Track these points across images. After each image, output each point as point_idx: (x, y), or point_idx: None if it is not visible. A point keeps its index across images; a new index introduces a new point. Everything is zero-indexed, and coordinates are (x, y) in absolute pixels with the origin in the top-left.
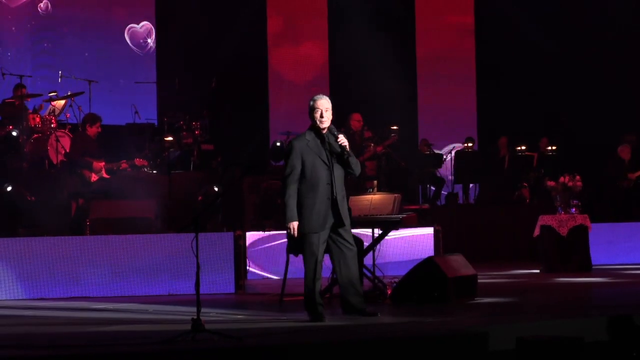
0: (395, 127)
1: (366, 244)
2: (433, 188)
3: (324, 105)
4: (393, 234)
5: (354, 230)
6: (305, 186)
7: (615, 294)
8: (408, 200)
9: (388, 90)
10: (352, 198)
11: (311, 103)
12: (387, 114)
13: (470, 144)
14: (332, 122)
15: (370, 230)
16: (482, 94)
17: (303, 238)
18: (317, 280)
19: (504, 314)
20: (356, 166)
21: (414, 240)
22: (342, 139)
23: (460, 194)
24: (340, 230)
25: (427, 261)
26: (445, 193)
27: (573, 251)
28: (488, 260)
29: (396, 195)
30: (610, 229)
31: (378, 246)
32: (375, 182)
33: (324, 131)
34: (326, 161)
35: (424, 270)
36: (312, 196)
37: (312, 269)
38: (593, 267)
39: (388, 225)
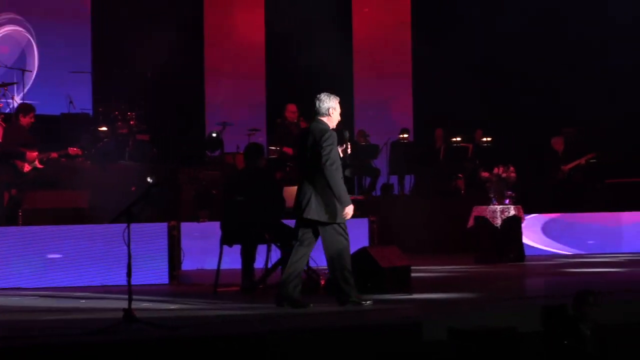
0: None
1: None
2: (369, 179)
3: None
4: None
5: (287, 222)
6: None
7: (548, 284)
8: None
9: (324, 82)
10: (287, 189)
11: (336, 103)
12: None
13: (405, 135)
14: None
15: None
16: (418, 85)
17: (327, 228)
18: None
19: (437, 305)
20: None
21: (349, 231)
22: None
23: (396, 185)
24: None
25: (361, 252)
26: (381, 184)
27: (507, 242)
28: (423, 251)
29: None
30: (543, 220)
31: None
32: None
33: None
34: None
35: (357, 261)
36: None
37: (348, 255)
38: (526, 257)
39: None
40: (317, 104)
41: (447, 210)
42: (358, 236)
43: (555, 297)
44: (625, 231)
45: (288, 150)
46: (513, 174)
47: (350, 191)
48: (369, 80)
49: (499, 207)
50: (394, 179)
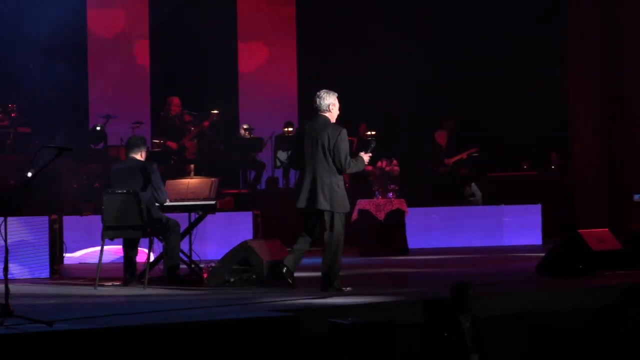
0: (216, 112)
1: (183, 227)
2: (254, 172)
3: None
4: (213, 218)
5: (171, 214)
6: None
7: (430, 276)
8: (228, 185)
9: (210, 76)
10: (170, 182)
11: (335, 99)
12: (208, 99)
13: (290, 129)
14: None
15: (186, 214)
16: (304, 79)
17: (335, 217)
18: None
19: (317, 298)
20: None
21: (233, 225)
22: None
23: (281, 178)
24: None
25: (243, 245)
26: (266, 177)
27: (390, 235)
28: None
29: (213, 179)
30: (426, 213)
31: (196, 230)
32: (193, 165)
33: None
34: None
35: (239, 255)
36: (343, 182)
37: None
38: (410, 250)
39: (204, 209)
40: (317, 101)
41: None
42: (242, 230)
43: (436, 290)
44: (507, 225)
45: (172, 144)
46: (396, 168)
47: (235, 185)
48: (254, 74)
49: (382, 201)
50: (279, 173)
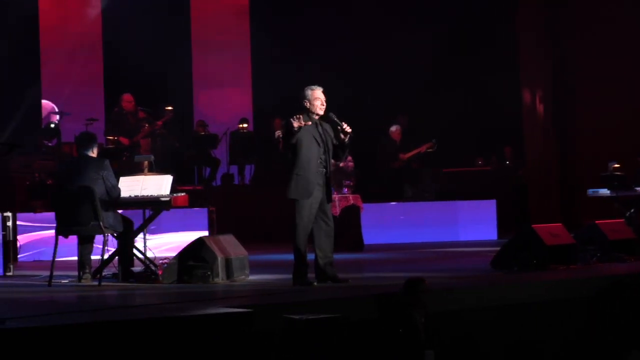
0: (170, 108)
1: (137, 224)
2: (209, 169)
3: (322, 96)
4: (168, 215)
5: (125, 211)
6: (299, 162)
7: (384, 272)
8: (183, 181)
9: (162, 72)
10: (123, 179)
11: (309, 92)
12: (162, 96)
13: (245, 125)
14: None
15: (140, 210)
16: (258, 74)
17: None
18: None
19: (272, 294)
20: (345, 151)
21: (188, 221)
22: (347, 127)
23: (236, 175)
24: (325, 207)
25: (197, 242)
26: (221, 174)
27: (345, 231)
28: (263, 241)
29: (167, 175)
30: (381, 208)
31: (150, 227)
32: (147, 162)
33: (316, 117)
34: (319, 142)
35: (194, 251)
36: (304, 169)
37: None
38: (365, 246)
39: (157, 206)
40: None
41: (286, 199)
42: (197, 226)
43: (390, 286)
44: (462, 220)
45: (124, 140)
46: (351, 163)
47: (190, 181)
48: (209, 71)
49: (337, 197)
50: (234, 169)
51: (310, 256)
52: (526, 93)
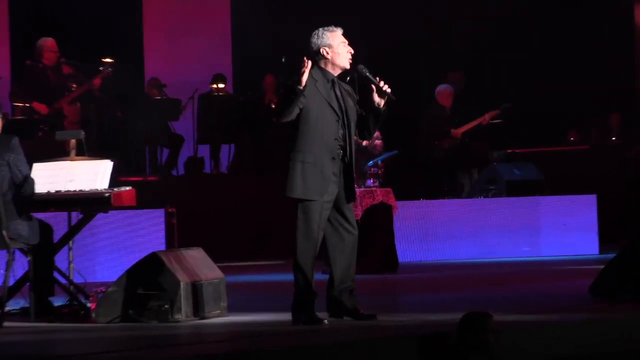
0: (109, 60)
1: (60, 234)
2: (166, 150)
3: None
4: (103, 219)
5: (41, 214)
6: (306, 140)
7: (428, 302)
8: (128, 169)
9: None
10: (39, 166)
11: (327, 35)
12: (99, 43)
13: (221, 85)
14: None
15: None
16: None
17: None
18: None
19: (260, 337)
20: (379, 123)
21: (136, 229)
22: (385, 86)
23: (207, 159)
24: (344, 208)
25: (150, 260)
26: (185, 158)
27: (371, 242)
28: (247, 257)
29: (105, 161)
30: (423, 209)
31: (79, 237)
32: (74, 141)
33: (337, 73)
34: (337, 112)
35: (145, 274)
36: (313, 153)
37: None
38: (400, 264)
39: (91, 206)
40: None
41: (281, 195)
42: (150, 234)
43: (438, 324)
44: (544, 225)
45: (41, 107)
46: (379, 142)
47: (139, 170)
48: (166, 7)
49: (359, 191)
50: (203, 151)
51: (319, 276)
52: None
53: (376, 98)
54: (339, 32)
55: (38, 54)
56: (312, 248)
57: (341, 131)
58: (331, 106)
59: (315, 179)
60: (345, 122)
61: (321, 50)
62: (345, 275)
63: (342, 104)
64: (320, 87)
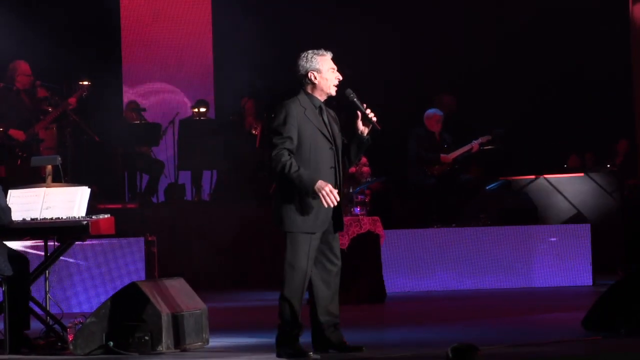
0: (86, 83)
1: (36, 263)
2: (146, 177)
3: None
4: (83, 249)
5: (16, 244)
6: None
7: (414, 335)
8: (107, 196)
9: (78, 30)
10: (15, 192)
11: (316, 60)
12: (75, 66)
13: (203, 109)
14: None
15: (41, 242)
16: (221, 34)
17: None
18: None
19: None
20: (362, 150)
21: (114, 258)
22: (371, 113)
23: (188, 185)
24: (330, 237)
25: (130, 290)
26: (165, 185)
27: (358, 272)
28: (231, 287)
29: (83, 187)
30: (411, 238)
31: (56, 267)
32: (50, 167)
33: (323, 99)
34: (329, 139)
35: (124, 304)
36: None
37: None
38: (387, 295)
39: (68, 235)
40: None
41: (264, 222)
42: (129, 264)
43: (426, 358)
44: (537, 255)
45: (17, 133)
46: (366, 168)
47: (118, 196)
48: (147, 28)
49: (346, 219)
50: (184, 177)
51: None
52: None
53: (360, 126)
54: (328, 56)
55: (11, 77)
56: (300, 280)
57: (334, 159)
58: (323, 134)
59: (311, 211)
60: (335, 149)
61: (309, 74)
62: (328, 306)
63: (331, 131)
64: (310, 115)
